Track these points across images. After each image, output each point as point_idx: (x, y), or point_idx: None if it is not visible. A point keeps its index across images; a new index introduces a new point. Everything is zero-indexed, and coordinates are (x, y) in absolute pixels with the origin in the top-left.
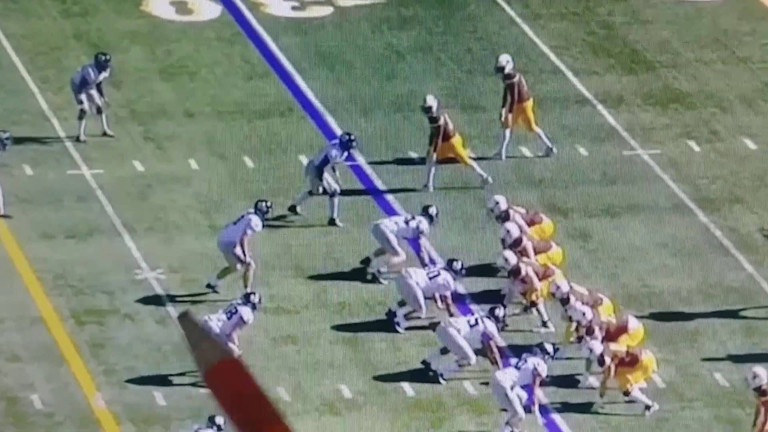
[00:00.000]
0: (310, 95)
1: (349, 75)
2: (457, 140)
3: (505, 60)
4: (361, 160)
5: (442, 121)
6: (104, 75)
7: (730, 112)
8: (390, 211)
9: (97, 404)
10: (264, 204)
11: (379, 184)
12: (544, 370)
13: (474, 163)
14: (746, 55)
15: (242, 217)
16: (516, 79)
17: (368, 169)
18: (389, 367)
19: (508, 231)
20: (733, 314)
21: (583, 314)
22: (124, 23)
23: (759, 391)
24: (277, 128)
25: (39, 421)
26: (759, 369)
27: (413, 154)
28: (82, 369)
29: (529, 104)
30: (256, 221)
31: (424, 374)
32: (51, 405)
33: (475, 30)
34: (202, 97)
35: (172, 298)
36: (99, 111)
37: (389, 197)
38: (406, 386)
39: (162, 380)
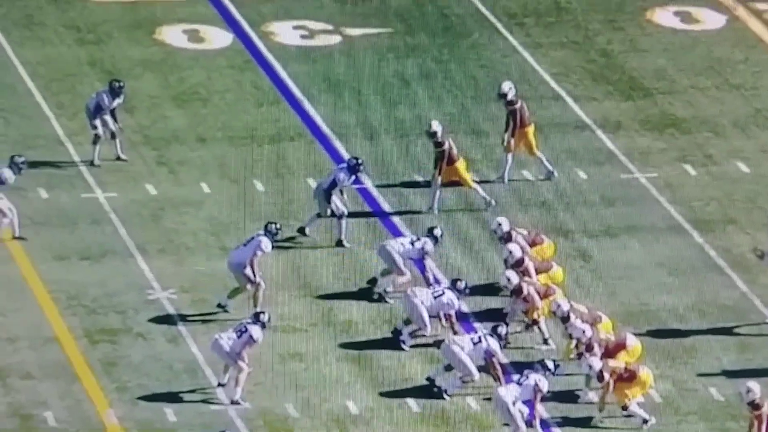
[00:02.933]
0: (319, 121)
1: (357, 101)
2: (461, 164)
3: (508, 87)
4: (368, 183)
5: (446, 146)
6: (118, 101)
7: (724, 137)
8: (396, 233)
9: (109, 421)
10: (273, 226)
11: (386, 207)
12: (545, 385)
13: (477, 186)
14: (739, 82)
15: (252, 238)
16: (518, 105)
17: (375, 192)
18: (395, 383)
19: (510, 252)
20: (727, 331)
21: (583, 332)
22: (137, 51)
23: (752, 405)
24: (287, 153)
25: None
26: (752, 384)
27: (419, 178)
28: (94, 386)
29: (530, 129)
30: (265, 243)
31: (429, 390)
32: (64, 422)
33: (478, 58)
34: (214, 122)
35: (184, 318)
36: (113, 136)
37: (395, 219)
38: (412, 402)
39: (173, 397)
